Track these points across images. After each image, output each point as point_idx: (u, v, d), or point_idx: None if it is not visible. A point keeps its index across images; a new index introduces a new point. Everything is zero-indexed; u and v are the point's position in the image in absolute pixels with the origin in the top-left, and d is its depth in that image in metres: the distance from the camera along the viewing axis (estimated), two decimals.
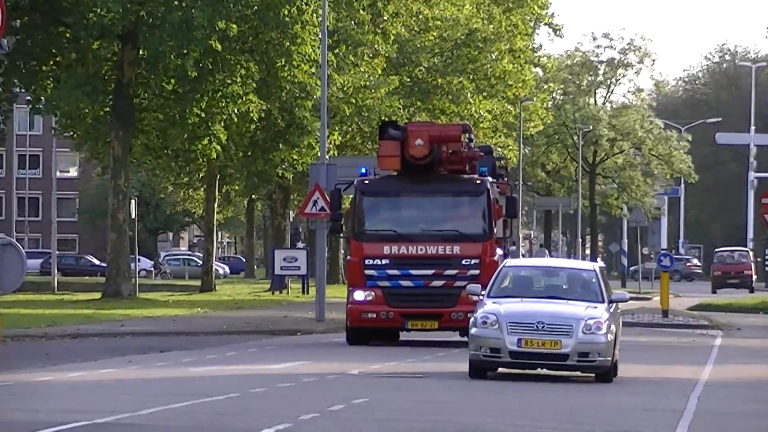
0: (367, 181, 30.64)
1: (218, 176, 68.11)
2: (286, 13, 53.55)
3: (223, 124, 56.33)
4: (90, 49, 55.09)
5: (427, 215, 30.80)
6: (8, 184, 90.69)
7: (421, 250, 29.74)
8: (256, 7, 54.04)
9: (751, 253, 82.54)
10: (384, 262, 29.70)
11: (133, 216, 57.59)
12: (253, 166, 62.94)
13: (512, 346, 21.22)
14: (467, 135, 32.04)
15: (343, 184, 32.98)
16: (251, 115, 56.33)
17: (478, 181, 30.13)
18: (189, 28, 51.74)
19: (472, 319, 21.48)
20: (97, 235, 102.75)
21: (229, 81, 54.98)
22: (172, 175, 73.51)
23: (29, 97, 57.44)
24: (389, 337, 31.79)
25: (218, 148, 56.81)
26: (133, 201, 58.53)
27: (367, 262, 29.79)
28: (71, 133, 61.00)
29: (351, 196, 33.17)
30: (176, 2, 54.10)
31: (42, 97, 56.28)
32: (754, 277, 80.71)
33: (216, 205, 70.75)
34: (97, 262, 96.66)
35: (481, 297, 22.44)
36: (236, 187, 73.54)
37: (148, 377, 25.09)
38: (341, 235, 31.57)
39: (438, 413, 17.62)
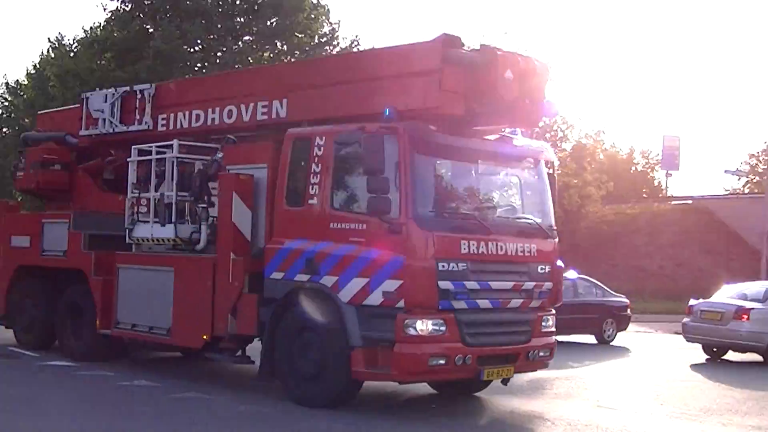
0: (424, 131, 12.01)
1: None
2: None
3: None
4: None
5: (499, 193, 13.50)
6: None
7: (502, 248, 12.48)
8: None
9: None
10: (461, 267, 11.88)
11: None
12: None
13: None
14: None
15: (386, 128, 11.52)
16: None
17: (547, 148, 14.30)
18: None
19: None
20: None
21: None
22: None
23: None
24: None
25: None
26: None
27: (440, 266, 11.69)
28: None
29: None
30: None
31: None
32: None
33: None
34: None
35: None
36: None
37: None
38: (391, 216, 11.34)
39: None
